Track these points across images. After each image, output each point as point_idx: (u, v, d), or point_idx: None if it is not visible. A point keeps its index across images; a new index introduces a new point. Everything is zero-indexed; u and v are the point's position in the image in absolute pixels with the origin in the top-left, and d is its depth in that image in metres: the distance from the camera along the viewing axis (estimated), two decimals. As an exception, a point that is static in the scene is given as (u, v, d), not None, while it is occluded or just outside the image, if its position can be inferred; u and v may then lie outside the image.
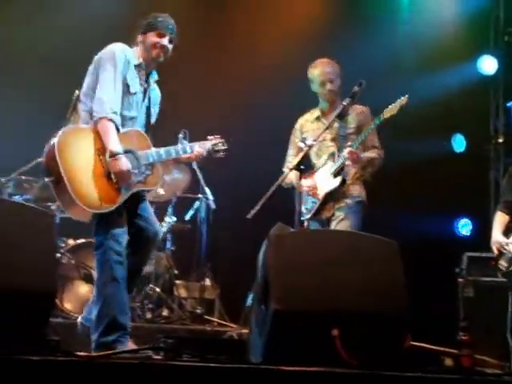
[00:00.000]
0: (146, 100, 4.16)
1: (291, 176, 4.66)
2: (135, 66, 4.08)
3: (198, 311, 6.20)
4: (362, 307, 3.10)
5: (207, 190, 6.19)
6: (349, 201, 4.88)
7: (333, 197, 4.83)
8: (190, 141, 4.74)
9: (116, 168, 3.78)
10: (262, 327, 3.11)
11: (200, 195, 6.32)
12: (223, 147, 4.42)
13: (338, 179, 4.78)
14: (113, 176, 3.81)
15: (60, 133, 3.79)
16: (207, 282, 6.50)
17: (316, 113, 5.09)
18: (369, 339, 3.05)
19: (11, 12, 6.92)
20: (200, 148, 4.29)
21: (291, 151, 5.10)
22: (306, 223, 4.89)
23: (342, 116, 4.66)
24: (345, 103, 4.45)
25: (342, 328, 3.00)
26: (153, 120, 4.24)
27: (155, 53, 4.10)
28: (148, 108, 4.18)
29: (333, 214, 4.86)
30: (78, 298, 5.80)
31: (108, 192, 3.80)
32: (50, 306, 2.95)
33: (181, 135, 6.24)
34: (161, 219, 6.51)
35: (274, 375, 2.80)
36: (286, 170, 4.91)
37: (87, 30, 6.70)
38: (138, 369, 2.70)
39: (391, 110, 4.60)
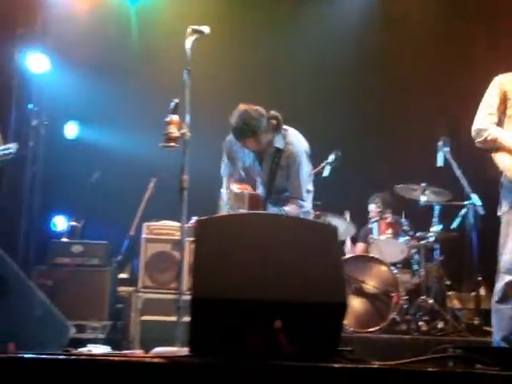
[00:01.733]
0: (266, 166, 4.89)
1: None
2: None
3: (475, 322, 5.95)
4: None
5: (474, 196, 5.96)
6: None
7: None
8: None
9: None
10: None
11: (466, 202, 6.10)
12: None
13: None
14: None
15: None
16: (481, 291, 6.24)
17: None
18: None
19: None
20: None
21: (484, 107, 4.33)
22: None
23: None
24: None
25: None
26: (279, 179, 4.86)
27: None
28: (273, 169, 4.84)
29: None
30: (352, 312, 5.89)
31: None
32: (342, 316, 3.01)
33: (440, 143, 6.14)
34: (427, 228, 6.42)
35: None
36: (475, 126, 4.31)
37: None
38: (431, 376, 2.66)
39: None
